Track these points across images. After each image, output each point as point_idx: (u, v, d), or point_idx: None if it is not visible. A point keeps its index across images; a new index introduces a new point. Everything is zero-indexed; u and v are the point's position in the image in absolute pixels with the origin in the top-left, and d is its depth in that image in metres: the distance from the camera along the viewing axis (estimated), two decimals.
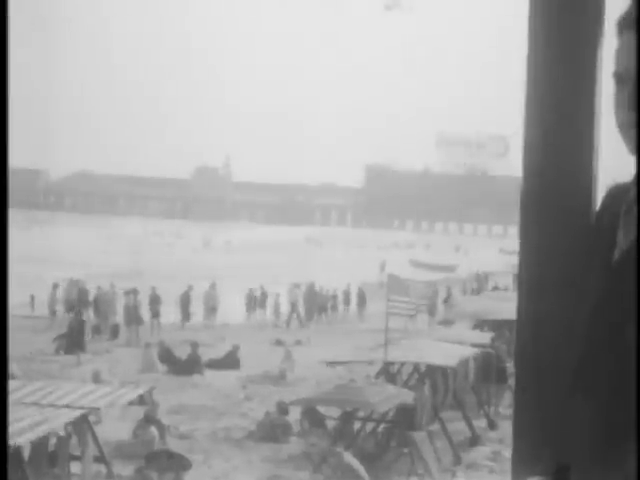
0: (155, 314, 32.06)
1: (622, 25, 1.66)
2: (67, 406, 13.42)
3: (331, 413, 18.69)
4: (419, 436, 16.20)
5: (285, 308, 37.27)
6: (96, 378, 21.58)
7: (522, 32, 2.06)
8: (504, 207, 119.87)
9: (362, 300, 39.40)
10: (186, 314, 34.34)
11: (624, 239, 1.66)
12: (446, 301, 38.05)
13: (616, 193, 1.75)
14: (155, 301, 32.38)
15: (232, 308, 35.97)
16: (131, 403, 17.66)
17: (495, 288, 42.61)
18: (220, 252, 72.34)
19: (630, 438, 1.55)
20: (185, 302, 34.50)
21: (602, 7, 1.99)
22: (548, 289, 2.01)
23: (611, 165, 1.84)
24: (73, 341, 27.40)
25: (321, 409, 18.78)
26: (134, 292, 32.61)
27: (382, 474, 16.30)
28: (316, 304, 38.56)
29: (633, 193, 1.68)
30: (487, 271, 53.60)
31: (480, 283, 49.42)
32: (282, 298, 37.51)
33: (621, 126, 1.65)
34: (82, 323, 28.44)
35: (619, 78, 1.65)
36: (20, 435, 11.64)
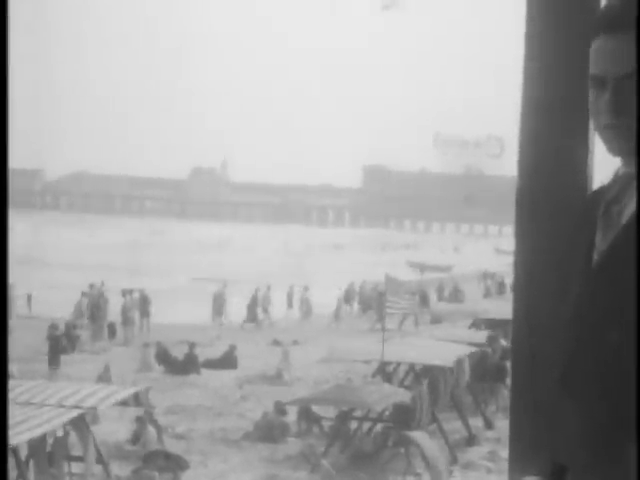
0: (145, 314, 32.18)
1: (599, 27, 1.65)
2: (62, 405, 13.40)
3: (328, 413, 18.69)
4: (420, 435, 16.18)
5: (281, 307, 37.25)
6: (100, 378, 21.65)
7: (519, 33, 2.08)
8: (500, 207, 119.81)
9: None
10: (252, 315, 35.36)
11: (602, 241, 1.67)
12: (442, 300, 38.08)
13: (596, 195, 1.76)
14: (145, 301, 32.51)
15: (230, 308, 35.99)
16: (127, 403, 17.65)
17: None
18: (217, 252, 72.21)
19: (625, 438, 1.56)
20: (253, 304, 35.58)
21: (598, 8, 2.00)
22: (544, 288, 2.02)
23: (605, 165, 1.85)
24: (69, 343, 27.44)
25: (317, 409, 18.79)
26: (131, 292, 32.64)
27: (378, 473, 16.31)
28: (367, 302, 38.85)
29: (610, 195, 1.69)
30: (487, 271, 53.57)
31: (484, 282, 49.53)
32: (278, 297, 37.51)
33: (603, 128, 1.65)
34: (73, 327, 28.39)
35: (599, 81, 1.64)
36: (17, 436, 11.64)
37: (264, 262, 61.78)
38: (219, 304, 35.82)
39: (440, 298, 42.26)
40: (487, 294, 44.51)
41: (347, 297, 39.33)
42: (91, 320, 31.14)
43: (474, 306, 31.87)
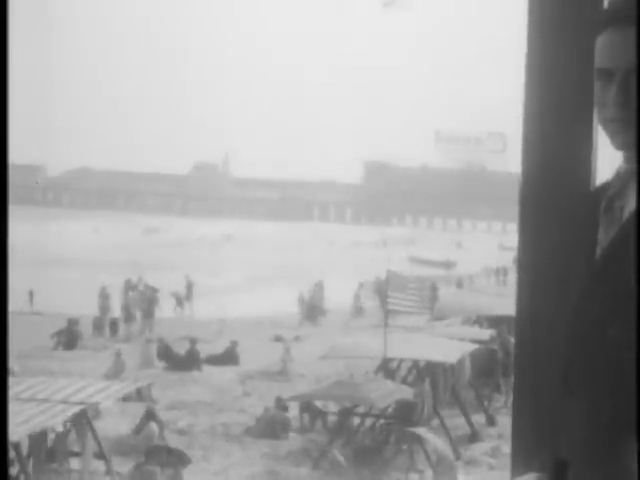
0: (146, 310, 32.15)
1: (607, 20, 1.64)
2: (64, 401, 13.41)
3: (330, 409, 18.70)
4: (424, 431, 16.17)
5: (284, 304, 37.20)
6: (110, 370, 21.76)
7: (521, 29, 2.07)
8: (503, 203, 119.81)
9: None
10: (314, 312, 35.89)
11: (604, 236, 1.66)
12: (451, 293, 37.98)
13: (598, 191, 1.75)
14: (146, 297, 32.47)
15: (232, 303, 35.98)
16: (129, 399, 17.66)
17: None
18: (219, 248, 72.22)
19: (626, 435, 1.55)
20: (312, 299, 36.36)
21: (600, 3, 1.99)
22: (547, 284, 2.01)
23: (609, 161, 1.84)
24: (71, 338, 27.52)
25: (320, 404, 18.79)
26: (134, 288, 32.65)
27: (381, 470, 16.32)
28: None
29: (612, 191, 1.68)
30: (490, 267, 53.48)
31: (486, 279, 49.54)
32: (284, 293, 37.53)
33: (609, 122, 1.64)
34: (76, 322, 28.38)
35: (605, 74, 1.63)
36: (17, 430, 11.65)
37: (266, 258, 61.79)
38: (181, 297, 36.04)
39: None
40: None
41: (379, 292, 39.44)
42: (143, 315, 31.01)
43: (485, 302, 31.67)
